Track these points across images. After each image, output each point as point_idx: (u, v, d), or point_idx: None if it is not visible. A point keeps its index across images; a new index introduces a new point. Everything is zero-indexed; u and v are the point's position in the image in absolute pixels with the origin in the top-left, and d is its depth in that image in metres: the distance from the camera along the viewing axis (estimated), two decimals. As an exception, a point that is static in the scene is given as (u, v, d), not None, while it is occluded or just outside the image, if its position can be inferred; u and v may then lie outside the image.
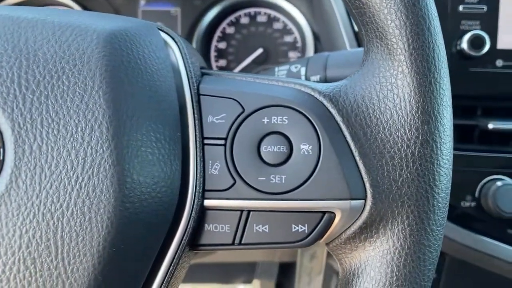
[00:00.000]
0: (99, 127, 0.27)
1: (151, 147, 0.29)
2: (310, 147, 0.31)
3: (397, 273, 0.29)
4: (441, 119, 0.29)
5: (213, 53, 0.85)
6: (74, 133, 0.27)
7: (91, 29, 0.30)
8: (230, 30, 0.85)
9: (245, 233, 0.32)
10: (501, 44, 0.60)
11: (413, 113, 0.29)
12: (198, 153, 0.32)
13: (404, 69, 0.30)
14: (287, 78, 0.35)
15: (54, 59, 0.29)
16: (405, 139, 0.30)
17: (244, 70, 0.85)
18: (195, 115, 0.33)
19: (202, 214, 0.32)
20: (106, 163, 0.27)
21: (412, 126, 0.29)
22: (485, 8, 0.60)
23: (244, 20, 0.85)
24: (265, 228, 0.31)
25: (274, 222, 0.31)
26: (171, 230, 0.31)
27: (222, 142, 0.32)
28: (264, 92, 0.33)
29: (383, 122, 0.30)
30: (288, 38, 0.85)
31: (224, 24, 0.85)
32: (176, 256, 0.31)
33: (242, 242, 0.32)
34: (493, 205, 0.57)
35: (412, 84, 0.29)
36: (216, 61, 0.86)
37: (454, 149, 0.63)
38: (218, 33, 0.85)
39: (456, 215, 0.61)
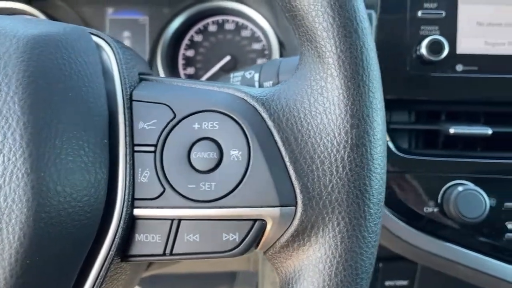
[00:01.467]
0: (12, 134, 0.26)
1: (72, 155, 0.28)
2: (240, 153, 0.30)
3: (328, 283, 0.29)
4: (371, 123, 0.29)
5: (181, 61, 0.85)
6: None
7: (11, 34, 0.29)
8: (198, 38, 0.85)
9: (176, 242, 0.31)
10: (461, 49, 0.60)
11: (342, 116, 0.29)
12: (127, 161, 0.31)
13: (333, 72, 0.29)
14: (223, 83, 0.34)
15: None
16: (335, 143, 0.29)
17: (212, 77, 0.84)
18: (126, 122, 0.32)
19: (132, 223, 0.31)
20: (19, 171, 0.26)
21: (342, 130, 0.29)
22: (444, 13, 0.60)
23: (212, 28, 0.85)
24: (196, 237, 0.30)
25: (204, 231, 0.30)
26: (98, 240, 0.30)
27: (152, 149, 0.31)
28: (196, 97, 0.32)
29: (314, 126, 0.30)
30: (256, 46, 0.84)
31: (192, 32, 0.85)
32: (103, 268, 0.30)
33: (173, 252, 0.31)
34: (454, 211, 0.57)
35: (341, 87, 0.29)
36: (184, 69, 0.85)
37: (418, 154, 0.63)
38: (186, 41, 0.85)
39: (419, 221, 0.60)
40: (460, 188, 0.57)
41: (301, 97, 0.30)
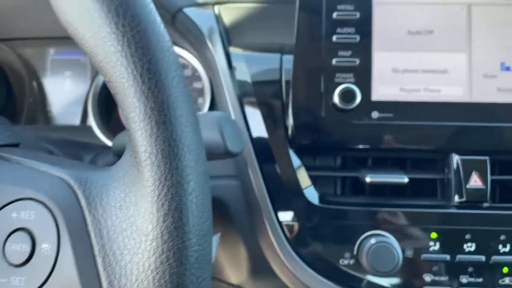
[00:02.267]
0: None
1: None
2: (50, 246, 0.29)
3: None
4: (178, 217, 0.28)
5: (120, 101, 0.84)
6: None
7: None
8: (139, 77, 0.84)
9: None
10: (376, 96, 0.59)
11: (150, 210, 0.28)
12: None
13: (142, 162, 0.28)
14: (63, 164, 0.33)
15: None
16: (143, 238, 0.28)
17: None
18: None
19: None
20: None
21: (149, 223, 0.28)
22: (358, 61, 0.59)
23: (153, 67, 0.84)
24: None
25: None
26: None
27: None
28: (20, 183, 0.31)
29: (127, 218, 0.29)
30: (197, 84, 0.84)
31: (132, 72, 0.84)
32: None
33: None
34: (367, 264, 0.55)
35: (148, 179, 0.28)
36: (125, 109, 0.84)
37: (336, 203, 0.61)
38: (126, 80, 0.84)
39: (336, 274, 0.58)
40: (372, 241, 0.56)
41: (119, 185, 0.29)
